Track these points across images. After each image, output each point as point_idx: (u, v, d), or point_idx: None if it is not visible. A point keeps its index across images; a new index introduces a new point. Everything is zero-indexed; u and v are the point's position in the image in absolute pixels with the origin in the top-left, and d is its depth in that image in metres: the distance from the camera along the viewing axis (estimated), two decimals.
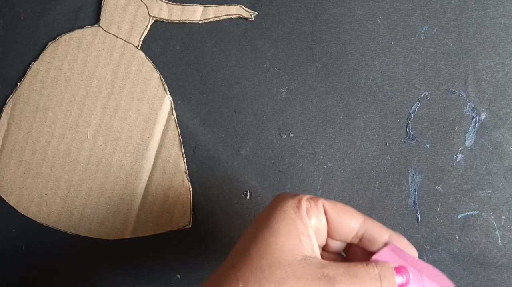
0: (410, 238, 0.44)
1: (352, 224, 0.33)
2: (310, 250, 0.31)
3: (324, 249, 0.35)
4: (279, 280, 0.29)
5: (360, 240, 0.33)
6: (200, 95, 0.46)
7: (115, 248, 0.45)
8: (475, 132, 0.44)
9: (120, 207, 0.45)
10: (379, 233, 0.33)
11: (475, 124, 0.44)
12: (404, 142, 0.45)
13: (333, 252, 0.35)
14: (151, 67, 0.46)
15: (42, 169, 0.45)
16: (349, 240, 0.34)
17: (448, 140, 0.44)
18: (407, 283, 0.32)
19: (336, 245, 0.35)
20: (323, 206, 0.33)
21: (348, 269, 0.30)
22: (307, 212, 0.32)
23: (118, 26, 0.46)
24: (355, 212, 0.34)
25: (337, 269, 0.30)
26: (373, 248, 0.33)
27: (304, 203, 0.32)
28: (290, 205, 0.32)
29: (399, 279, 0.32)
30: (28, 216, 0.46)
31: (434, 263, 0.43)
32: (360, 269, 0.31)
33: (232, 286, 0.29)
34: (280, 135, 0.45)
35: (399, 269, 0.32)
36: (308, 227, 0.32)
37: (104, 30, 0.46)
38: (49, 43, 0.46)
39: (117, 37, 0.46)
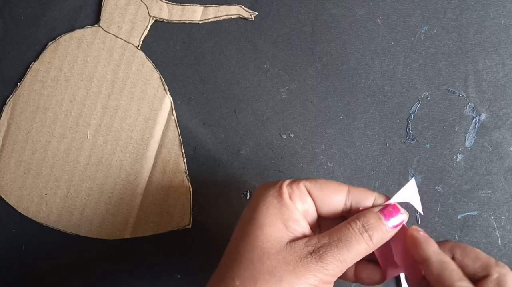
0: None
1: (337, 197, 0.33)
2: (300, 233, 0.31)
3: (322, 230, 0.35)
4: (271, 270, 0.29)
5: (350, 211, 0.33)
6: (200, 95, 0.46)
7: (115, 248, 0.45)
8: (475, 133, 0.44)
9: (120, 207, 0.45)
10: (364, 199, 0.33)
11: (475, 124, 0.44)
12: (404, 142, 0.45)
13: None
14: (151, 67, 0.46)
15: (42, 169, 0.45)
16: (339, 213, 0.33)
17: (448, 141, 0.44)
18: (400, 223, 0.31)
19: (330, 223, 0.34)
20: (305, 187, 0.33)
21: (331, 235, 0.30)
22: (290, 198, 0.32)
23: (118, 26, 0.46)
24: (338, 184, 0.33)
25: (321, 241, 0.30)
26: None
27: (286, 189, 0.32)
28: (272, 194, 0.32)
29: (394, 221, 0.31)
30: (28, 216, 0.46)
31: None
32: (343, 230, 0.30)
33: (230, 286, 0.30)
34: (280, 135, 0.45)
35: (386, 211, 0.31)
36: (293, 212, 0.32)
37: (104, 30, 0.46)
38: (49, 43, 0.46)
39: (117, 37, 0.46)
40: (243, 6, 0.46)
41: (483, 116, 0.44)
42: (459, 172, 0.44)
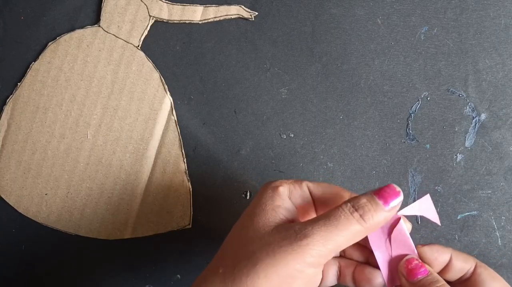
0: None
1: (339, 201, 0.31)
2: (289, 220, 0.30)
3: None
4: (251, 255, 0.28)
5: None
6: (200, 95, 0.46)
7: (115, 248, 0.45)
8: (475, 133, 0.44)
9: (120, 207, 0.45)
10: None
11: (475, 124, 0.44)
12: (404, 142, 0.45)
13: None
14: (151, 67, 0.46)
15: (42, 169, 0.45)
16: None
17: (448, 141, 0.44)
18: (398, 205, 0.29)
19: None
20: (308, 187, 0.32)
21: (319, 216, 0.29)
22: (292, 194, 0.31)
23: (118, 26, 0.46)
24: (340, 189, 0.32)
25: (308, 221, 0.28)
26: None
27: (286, 185, 0.32)
28: (269, 186, 0.32)
29: (392, 203, 0.29)
30: (28, 216, 0.46)
31: None
32: (332, 210, 0.29)
33: (215, 275, 0.29)
34: (280, 135, 0.45)
35: (381, 192, 0.29)
36: (286, 200, 0.31)
37: (104, 30, 0.46)
38: (49, 43, 0.46)
39: (117, 37, 0.46)
40: (243, 6, 0.46)
41: (483, 116, 0.44)
42: (459, 172, 0.44)
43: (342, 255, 0.35)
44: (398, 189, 0.30)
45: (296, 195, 0.32)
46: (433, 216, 0.32)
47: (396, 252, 0.31)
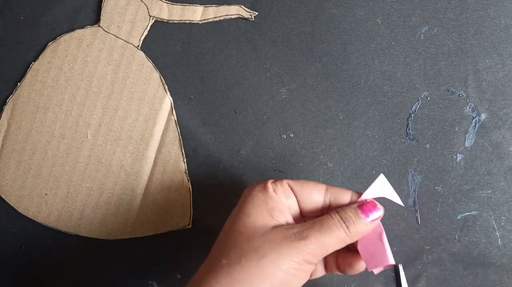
0: (410, 238, 0.44)
1: (316, 194, 0.36)
2: (284, 222, 0.34)
3: None
4: (256, 248, 0.32)
5: (329, 207, 0.36)
6: (200, 95, 0.46)
7: (115, 248, 0.45)
8: (475, 133, 0.44)
9: (120, 207, 0.45)
10: (342, 196, 0.36)
11: (475, 124, 0.44)
12: (404, 142, 0.45)
13: None
14: (151, 67, 0.46)
15: (42, 169, 0.45)
16: (320, 210, 0.36)
17: (448, 141, 0.44)
18: (378, 218, 0.34)
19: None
20: (288, 184, 0.36)
21: (314, 222, 0.33)
22: (275, 192, 0.35)
23: (118, 26, 0.46)
24: (317, 183, 0.36)
25: (305, 225, 0.33)
26: None
27: (270, 185, 0.35)
28: (257, 189, 0.35)
29: (372, 216, 0.34)
30: (28, 216, 0.46)
31: (434, 263, 0.43)
32: (324, 218, 0.34)
33: (218, 266, 0.32)
34: (280, 135, 0.45)
35: (364, 207, 0.34)
36: (278, 203, 0.35)
37: (104, 30, 0.46)
38: (49, 43, 0.46)
39: (117, 37, 0.46)
40: (243, 6, 0.46)
41: (483, 116, 0.44)
42: (459, 172, 0.44)
43: None
44: (379, 205, 0.35)
45: (279, 192, 0.35)
46: (392, 196, 0.37)
47: (371, 235, 0.35)
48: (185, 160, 0.45)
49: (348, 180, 0.45)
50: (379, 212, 0.35)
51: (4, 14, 0.47)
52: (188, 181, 0.45)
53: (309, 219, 0.35)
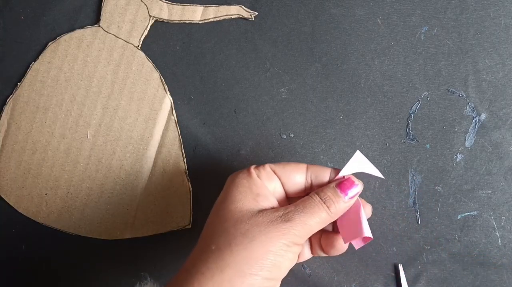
0: (410, 238, 0.44)
1: (298, 174, 0.37)
2: (269, 207, 0.35)
3: None
4: (244, 232, 0.32)
5: (311, 187, 0.37)
6: (200, 95, 0.46)
7: (115, 248, 0.45)
8: (475, 133, 0.44)
9: (120, 207, 0.45)
10: (321, 174, 0.37)
11: (475, 124, 0.44)
12: (404, 142, 0.45)
13: None
14: (151, 67, 0.46)
15: (42, 169, 0.45)
16: (303, 190, 0.37)
17: (448, 141, 0.44)
18: (356, 194, 0.35)
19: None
20: (270, 167, 0.37)
21: (297, 205, 0.34)
22: (259, 177, 0.36)
23: (118, 26, 0.46)
24: (298, 163, 0.37)
25: (289, 208, 0.34)
26: None
27: (253, 171, 0.36)
28: (241, 176, 0.36)
29: (350, 193, 0.35)
30: (28, 216, 0.46)
31: (434, 263, 0.43)
32: (306, 201, 0.35)
33: (207, 252, 0.33)
34: (280, 135, 0.45)
35: (342, 185, 0.35)
36: (262, 188, 0.35)
37: (104, 30, 0.46)
38: (49, 43, 0.46)
39: (117, 37, 0.46)
40: (243, 6, 0.46)
41: (483, 116, 0.44)
42: (459, 172, 0.44)
43: None
44: (356, 181, 0.36)
45: (262, 177, 0.36)
46: (371, 170, 0.37)
47: (349, 210, 0.36)
48: (185, 160, 0.45)
49: None
50: (357, 188, 0.36)
51: (4, 14, 0.47)
52: (188, 181, 0.45)
53: (294, 200, 0.36)
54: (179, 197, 0.45)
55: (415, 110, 0.45)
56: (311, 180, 0.37)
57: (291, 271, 0.41)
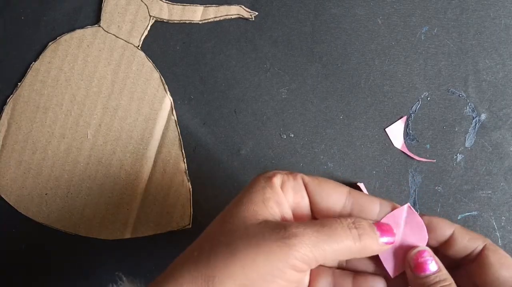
0: None
1: (335, 197, 0.30)
2: (279, 216, 0.29)
3: None
4: (231, 243, 0.26)
5: (350, 215, 0.30)
6: (200, 95, 0.46)
7: (115, 248, 0.45)
8: (475, 133, 0.44)
9: (120, 207, 0.45)
10: (368, 205, 0.30)
11: (475, 124, 0.44)
12: (404, 142, 0.45)
13: None
14: (151, 67, 0.46)
15: (42, 168, 0.46)
16: (336, 216, 0.30)
17: (448, 141, 0.44)
18: (388, 244, 0.29)
19: None
20: (303, 179, 0.30)
21: (314, 221, 0.27)
22: (283, 184, 0.29)
23: (119, 26, 0.46)
24: (338, 184, 0.30)
25: (301, 223, 0.27)
26: None
27: (279, 175, 0.30)
28: (262, 176, 0.30)
29: (387, 239, 0.29)
30: (28, 216, 0.46)
31: None
32: (329, 220, 0.27)
33: (190, 258, 0.28)
34: (280, 135, 0.45)
35: (382, 227, 0.29)
36: (277, 194, 0.29)
37: (105, 30, 0.46)
38: (50, 43, 0.46)
39: (117, 37, 0.46)
40: (243, 6, 0.46)
41: (483, 116, 0.44)
42: (459, 172, 0.44)
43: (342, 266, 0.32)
44: (394, 230, 0.29)
45: (288, 185, 0.30)
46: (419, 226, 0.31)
47: (405, 239, 0.30)
48: (185, 160, 0.45)
49: (348, 180, 0.45)
50: (393, 238, 0.29)
51: (4, 14, 0.47)
52: (188, 181, 0.45)
53: None
54: (179, 197, 0.45)
55: (415, 111, 0.45)
56: (350, 209, 0.30)
57: None
